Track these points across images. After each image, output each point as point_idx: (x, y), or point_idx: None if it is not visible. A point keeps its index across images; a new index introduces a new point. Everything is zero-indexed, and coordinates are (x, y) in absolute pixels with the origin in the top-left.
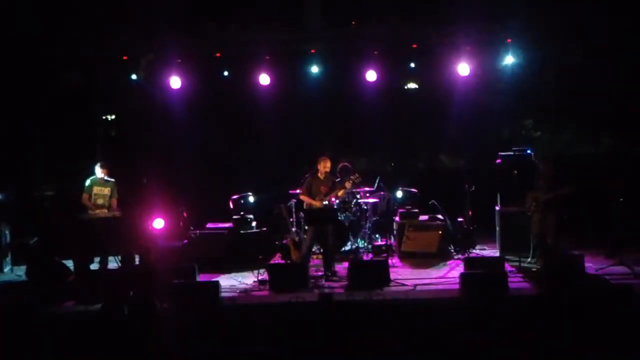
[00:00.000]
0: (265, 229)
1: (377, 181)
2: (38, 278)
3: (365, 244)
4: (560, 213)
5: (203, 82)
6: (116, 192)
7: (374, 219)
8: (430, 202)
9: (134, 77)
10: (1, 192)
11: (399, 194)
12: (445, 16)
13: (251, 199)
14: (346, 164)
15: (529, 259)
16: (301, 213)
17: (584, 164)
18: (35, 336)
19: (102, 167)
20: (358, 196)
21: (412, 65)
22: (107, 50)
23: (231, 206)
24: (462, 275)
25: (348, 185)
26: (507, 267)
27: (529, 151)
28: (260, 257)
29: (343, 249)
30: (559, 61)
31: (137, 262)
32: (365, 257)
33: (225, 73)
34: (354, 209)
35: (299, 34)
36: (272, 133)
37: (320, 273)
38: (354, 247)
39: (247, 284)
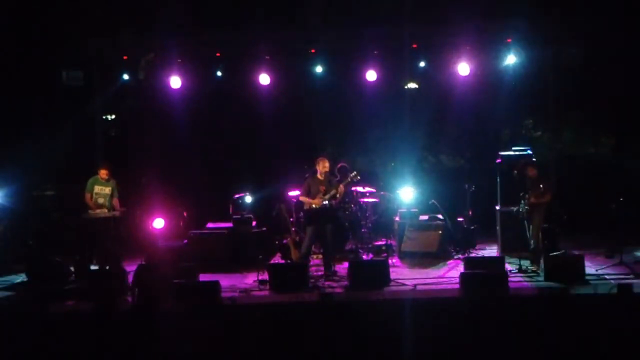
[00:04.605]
0: (265, 229)
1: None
2: (38, 278)
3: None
4: (546, 214)
5: (203, 82)
6: (117, 191)
7: (374, 218)
8: (430, 202)
9: (128, 77)
10: (1, 192)
11: (399, 194)
12: (445, 16)
13: (250, 199)
14: (344, 164)
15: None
16: (301, 213)
17: (584, 164)
18: (35, 336)
19: (103, 167)
20: (360, 190)
21: (412, 65)
22: (107, 50)
23: (231, 206)
24: (462, 275)
25: (341, 189)
26: (507, 267)
27: (529, 151)
28: (260, 257)
29: (343, 248)
30: (559, 61)
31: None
32: (365, 257)
33: (225, 73)
34: (354, 208)
35: (299, 33)
36: (272, 133)
37: (320, 273)
38: (353, 247)
39: (247, 284)
